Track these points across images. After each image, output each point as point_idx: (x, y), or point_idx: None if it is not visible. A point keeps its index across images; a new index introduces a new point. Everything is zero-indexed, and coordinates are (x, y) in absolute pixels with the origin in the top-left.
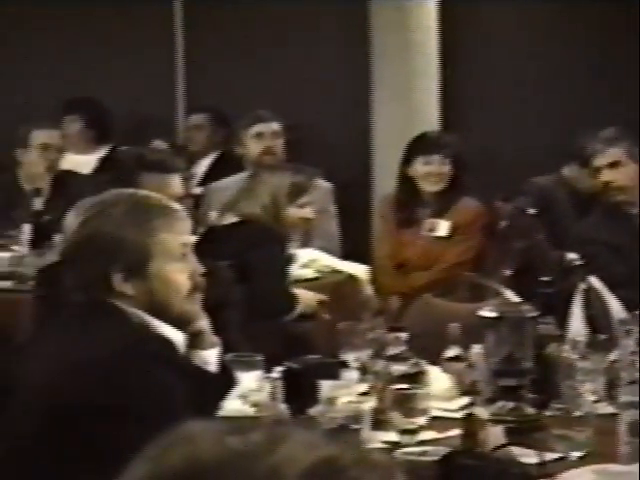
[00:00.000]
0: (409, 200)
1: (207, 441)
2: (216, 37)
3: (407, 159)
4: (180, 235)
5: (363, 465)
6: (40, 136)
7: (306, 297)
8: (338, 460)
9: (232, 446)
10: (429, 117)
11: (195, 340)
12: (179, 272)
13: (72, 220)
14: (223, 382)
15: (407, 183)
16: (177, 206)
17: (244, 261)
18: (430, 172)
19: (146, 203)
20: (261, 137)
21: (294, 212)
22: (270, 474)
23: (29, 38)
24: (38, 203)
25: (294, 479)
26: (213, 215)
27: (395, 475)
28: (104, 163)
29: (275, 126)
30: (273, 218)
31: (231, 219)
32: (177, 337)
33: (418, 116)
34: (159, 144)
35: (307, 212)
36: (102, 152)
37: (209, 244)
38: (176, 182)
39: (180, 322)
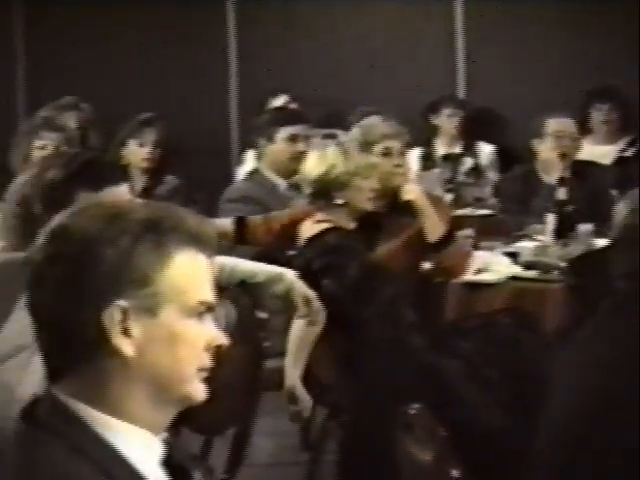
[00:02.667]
0: None
1: None
2: None
3: None
4: None
5: None
6: (554, 124)
7: None
8: None
9: None
10: None
11: None
12: None
13: (622, 208)
14: None
15: None
16: None
17: None
18: None
19: None
20: None
21: None
22: None
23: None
24: (562, 193)
25: None
26: None
27: None
28: (624, 154)
29: None
30: None
31: None
32: None
33: None
34: None
35: None
36: (622, 143)
37: None
38: None
39: None
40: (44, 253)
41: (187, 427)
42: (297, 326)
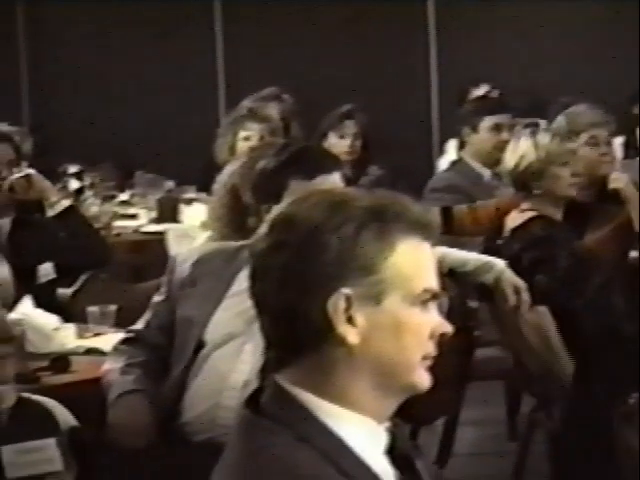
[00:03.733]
0: None
1: None
2: None
3: None
4: None
5: None
6: None
7: None
8: None
9: None
10: None
11: None
12: None
13: None
14: None
15: None
16: None
17: None
18: None
19: None
20: None
21: None
22: None
23: None
24: None
25: None
26: None
27: None
28: None
29: None
30: None
31: None
32: None
33: None
34: None
35: None
36: None
37: None
38: None
39: None
40: (269, 242)
41: (398, 417)
42: None
